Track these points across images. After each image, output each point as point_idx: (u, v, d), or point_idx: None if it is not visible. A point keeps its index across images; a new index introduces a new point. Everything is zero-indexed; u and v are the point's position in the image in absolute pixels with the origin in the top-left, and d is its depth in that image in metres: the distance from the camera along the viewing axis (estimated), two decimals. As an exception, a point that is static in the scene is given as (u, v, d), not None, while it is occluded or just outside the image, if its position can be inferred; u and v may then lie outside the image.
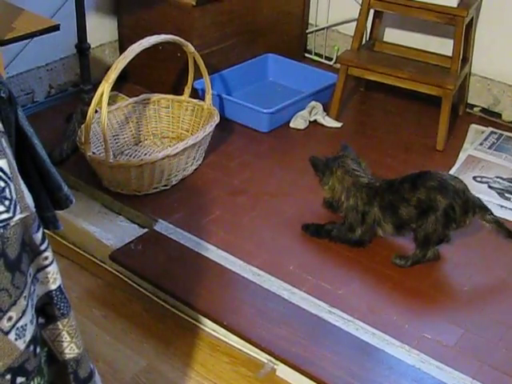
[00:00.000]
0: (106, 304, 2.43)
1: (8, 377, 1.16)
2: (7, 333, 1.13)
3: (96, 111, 2.72)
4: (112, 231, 2.66)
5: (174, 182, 2.87)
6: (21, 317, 1.15)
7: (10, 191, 1.10)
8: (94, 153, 2.77)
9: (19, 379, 1.18)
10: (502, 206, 2.84)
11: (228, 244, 2.57)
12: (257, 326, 2.23)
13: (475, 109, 3.63)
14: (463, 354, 2.15)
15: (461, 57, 3.25)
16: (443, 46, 3.51)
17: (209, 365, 2.19)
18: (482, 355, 2.15)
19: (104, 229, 2.66)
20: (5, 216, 1.09)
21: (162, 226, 2.65)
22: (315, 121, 3.41)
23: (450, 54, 3.27)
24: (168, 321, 2.35)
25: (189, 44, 2.94)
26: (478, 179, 3.02)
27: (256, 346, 2.19)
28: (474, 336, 2.23)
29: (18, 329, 1.14)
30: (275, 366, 2.15)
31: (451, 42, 3.23)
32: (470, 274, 2.49)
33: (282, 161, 3.12)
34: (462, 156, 3.19)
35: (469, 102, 3.63)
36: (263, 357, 2.18)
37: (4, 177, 1.09)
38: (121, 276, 2.53)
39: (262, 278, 2.42)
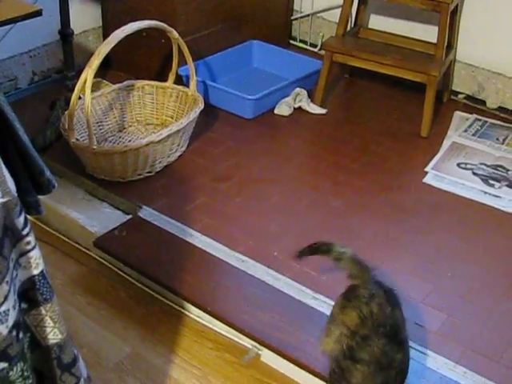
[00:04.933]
0: (90, 291, 2.43)
1: (-10, 362, 1.16)
2: (-11, 318, 1.12)
3: (79, 98, 2.71)
4: (96, 218, 2.65)
5: (158, 169, 2.86)
6: (3, 302, 1.14)
7: (-8, 175, 1.10)
8: (77, 139, 2.76)
9: (2, 364, 1.18)
10: (485, 193, 2.85)
11: (212, 230, 2.57)
12: (241, 312, 2.23)
13: (460, 96, 3.63)
14: (446, 339, 2.16)
15: (445, 43, 3.26)
16: (428, 33, 3.51)
17: (193, 351, 2.19)
18: (465, 340, 2.17)
19: (88, 215, 2.66)
20: (-14, 200, 1.08)
21: (147, 213, 2.65)
22: (300, 107, 3.40)
23: (434, 41, 3.27)
24: (152, 307, 2.35)
25: (173, 30, 2.93)
26: (463, 166, 3.03)
27: (240, 332, 2.19)
28: (457, 321, 2.24)
29: (0, 314, 1.14)
30: (259, 352, 2.16)
31: (436, 28, 3.23)
32: (454, 260, 2.50)
33: (266, 147, 3.12)
34: (446, 143, 3.20)
35: (453, 89, 3.64)
36: (247, 342, 2.18)
37: (-15, 161, 1.09)
38: (105, 263, 2.53)
39: (246, 264, 2.42)
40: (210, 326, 2.26)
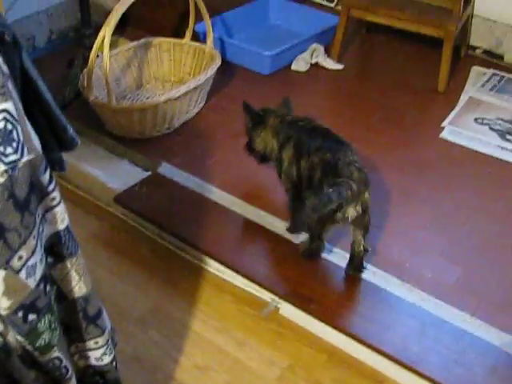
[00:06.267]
0: (111, 246, 2.47)
1: (20, 314, 1.20)
2: (18, 271, 1.16)
3: (97, 56, 2.72)
4: (116, 175, 2.68)
5: (176, 126, 2.88)
6: (31, 256, 1.18)
7: (18, 133, 1.12)
8: (96, 97, 2.78)
9: (31, 316, 1.22)
10: (502, 148, 2.85)
11: (230, 185, 2.60)
12: (260, 266, 2.27)
13: (477, 50, 3.61)
14: (462, 292, 2.19)
15: (463, -3, 3.23)
16: (445, -13, 3.48)
17: (214, 304, 2.23)
18: (480, 293, 2.19)
19: (108, 172, 2.69)
20: (13, 158, 1.11)
21: (166, 169, 2.67)
22: (317, 63, 3.40)
23: (452, -5, 3.24)
24: (173, 262, 2.39)
25: (189, -14, 2.93)
26: (479, 121, 3.03)
27: (260, 286, 2.23)
28: (472, 275, 2.26)
29: (28, 267, 1.17)
30: (278, 305, 2.20)
31: (453, -18, 3.21)
32: (470, 215, 2.52)
33: (283, 104, 3.12)
34: (463, 98, 3.19)
35: (471, 43, 3.61)
36: (267, 296, 2.22)
37: (11, 119, 1.11)
38: (125, 219, 2.56)
39: (264, 219, 2.45)
40: (230, 279, 2.30)
